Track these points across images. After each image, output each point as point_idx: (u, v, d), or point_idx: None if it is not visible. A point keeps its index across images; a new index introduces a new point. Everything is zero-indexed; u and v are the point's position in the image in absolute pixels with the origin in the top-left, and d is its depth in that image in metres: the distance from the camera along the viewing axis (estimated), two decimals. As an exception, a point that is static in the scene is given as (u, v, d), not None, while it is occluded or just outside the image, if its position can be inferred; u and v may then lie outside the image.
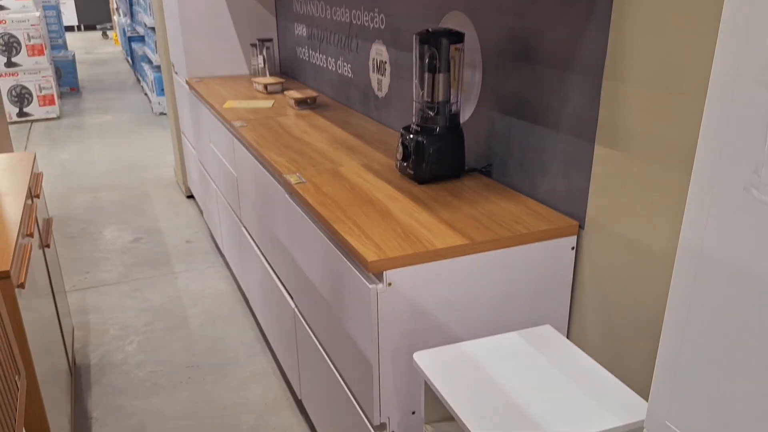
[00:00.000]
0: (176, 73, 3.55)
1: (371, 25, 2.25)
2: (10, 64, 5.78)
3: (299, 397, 2.02)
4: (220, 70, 3.30)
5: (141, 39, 7.57)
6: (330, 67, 2.70)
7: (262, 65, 3.10)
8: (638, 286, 1.26)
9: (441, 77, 1.56)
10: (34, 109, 5.93)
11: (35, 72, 5.85)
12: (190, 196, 3.97)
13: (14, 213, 1.62)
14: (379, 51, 2.23)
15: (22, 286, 1.39)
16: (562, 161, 1.42)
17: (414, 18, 1.96)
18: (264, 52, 3.06)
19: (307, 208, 1.56)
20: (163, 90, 5.76)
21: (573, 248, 1.40)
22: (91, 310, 2.72)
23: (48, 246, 1.97)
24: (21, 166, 1.98)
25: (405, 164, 1.65)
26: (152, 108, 6.22)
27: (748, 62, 0.60)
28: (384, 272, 1.25)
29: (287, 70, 3.31)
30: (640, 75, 1.18)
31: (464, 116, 1.76)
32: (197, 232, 3.47)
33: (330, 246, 1.45)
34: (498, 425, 1.03)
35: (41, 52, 5.82)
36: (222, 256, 3.18)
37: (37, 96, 5.91)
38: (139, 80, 7.66)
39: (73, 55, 7.02)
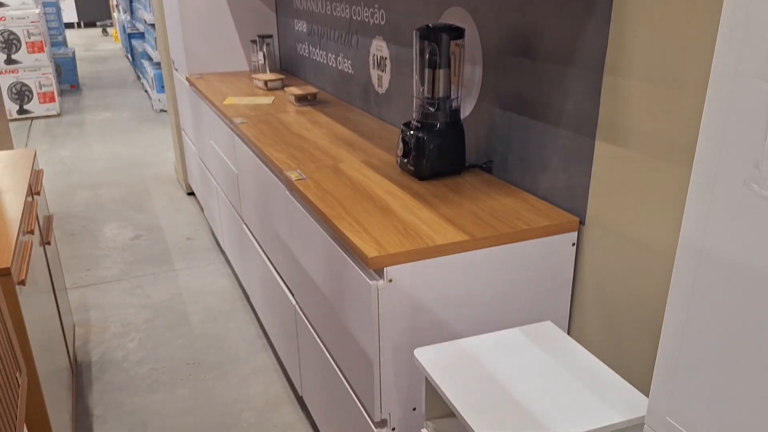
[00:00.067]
0: (176, 69, 3.55)
1: (371, 21, 2.25)
2: (10, 61, 5.77)
3: (300, 394, 2.02)
4: (220, 66, 3.29)
5: (141, 36, 7.57)
6: (330, 64, 2.69)
7: (262, 62, 3.09)
8: (639, 282, 1.26)
9: (441, 73, 1.56)
10: (34, 106, 5.93)
11: (35, 69, 5.85)
12: (191, 193, 3.97)
13: (15, 210, 1.62)
14: (379, 47, 2.22)
15: (22, 283, 1.39)
16: (562, 157, 1.42)
17: (414, 14, 1.95)
18: (264, 49, 3.06)
19: (308, 205, 1.56)
20: (163, 87, 5.76)
21: (574, 244, 1.40)
22: (92, 307, 2.73)
23: (48, 243, 1.97)
24: (21, 163, 1.98)
25: (405, 160, 1.65)
26: (152, 105, 6.22)
27: (748, 57, 0.59)
28: (384, 268, 1.25)
29: (287, 67, 3.31)
30: (640, 70, 1.18)
31: (465, 112, 1.76)
32: (198, 229, 3.47)
33: (330, 242, 1.45)
34: (499, 421, 1.03)
35: (41, 50, 5.82)
36: (222, 253, 3.18)
37: (37, 93, 5.91)
38: (139, 77, 7.65)
39: (73, 52, 7.01)
